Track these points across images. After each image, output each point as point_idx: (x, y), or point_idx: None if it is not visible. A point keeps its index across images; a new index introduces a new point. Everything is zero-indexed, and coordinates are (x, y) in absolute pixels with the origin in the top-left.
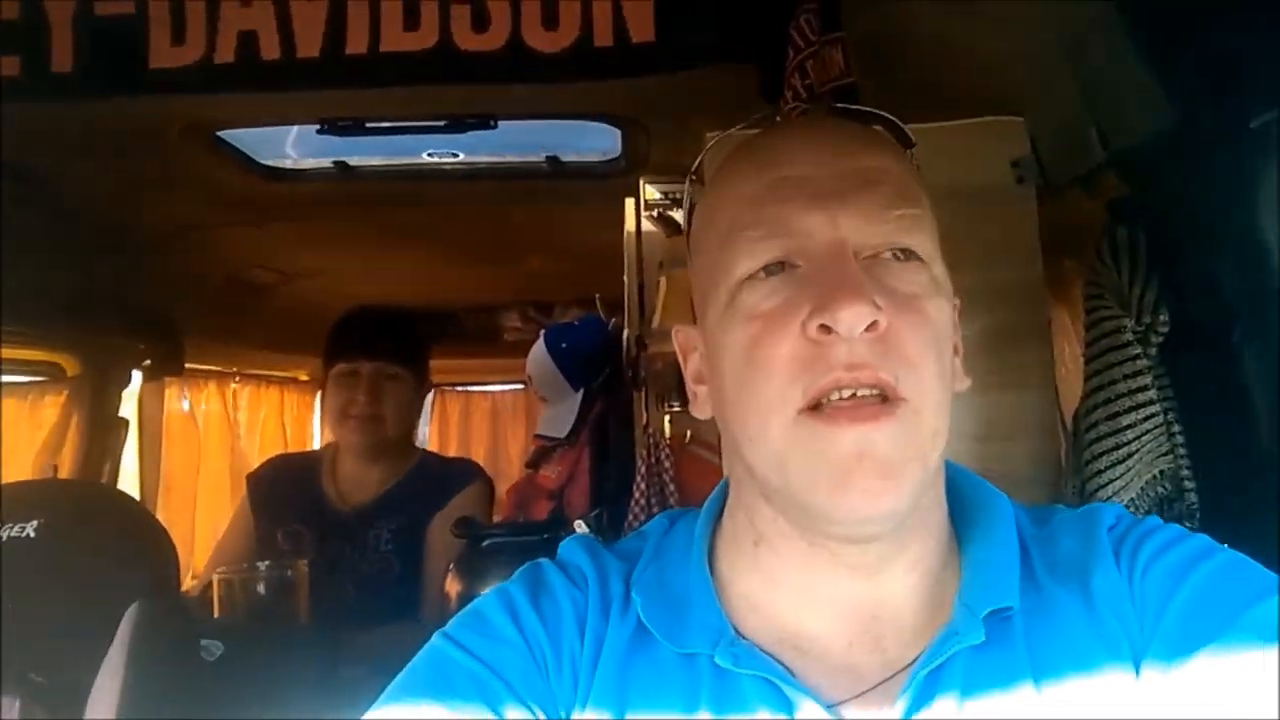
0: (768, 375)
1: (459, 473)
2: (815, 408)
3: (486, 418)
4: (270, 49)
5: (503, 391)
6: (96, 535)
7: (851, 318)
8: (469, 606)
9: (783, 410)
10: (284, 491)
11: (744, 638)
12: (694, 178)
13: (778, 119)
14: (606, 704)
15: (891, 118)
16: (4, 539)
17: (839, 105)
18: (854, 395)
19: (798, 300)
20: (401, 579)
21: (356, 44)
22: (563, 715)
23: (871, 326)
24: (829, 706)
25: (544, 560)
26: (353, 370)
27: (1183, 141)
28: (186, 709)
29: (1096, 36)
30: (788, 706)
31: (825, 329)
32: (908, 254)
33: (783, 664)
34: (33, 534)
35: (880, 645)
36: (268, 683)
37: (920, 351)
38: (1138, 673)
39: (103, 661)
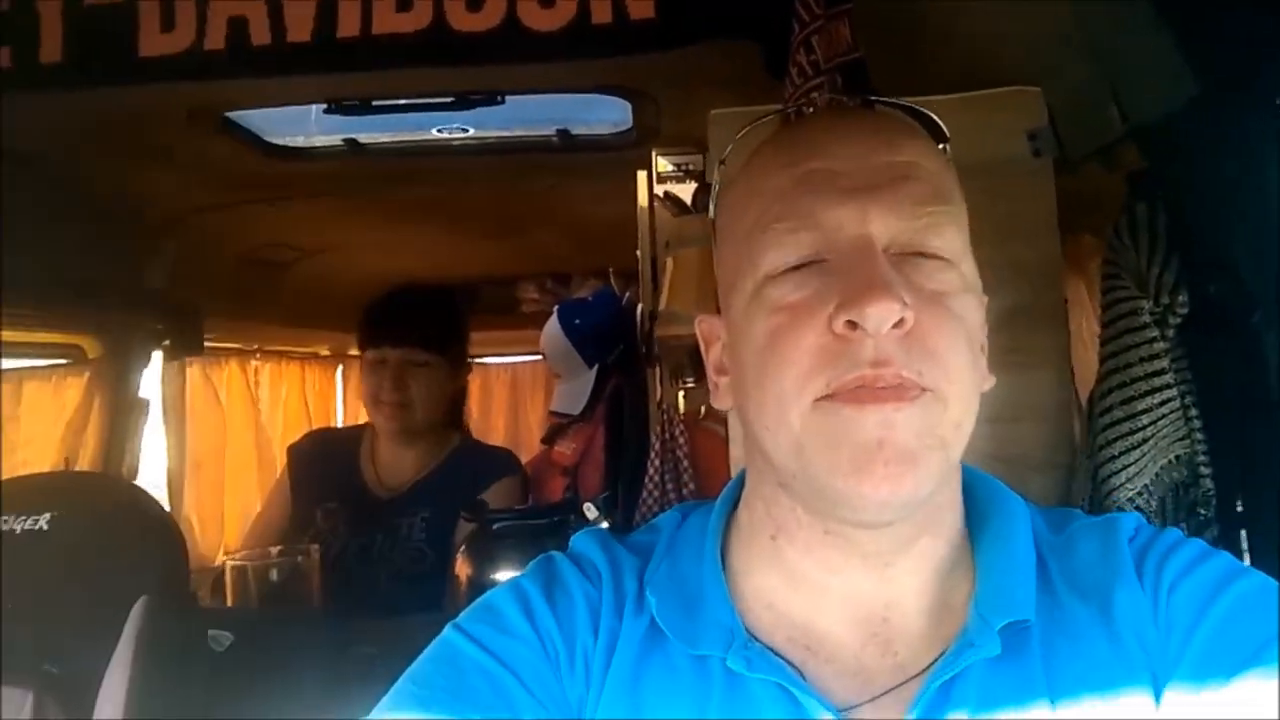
0: (788, 365)
1: (493, 465)
2: (835, 395)
3: (506, 389)
4: (260, 34)
5: (522, 362)
6: (108, 528)
7: (880, 313)
8: (481, 599)
9: (801, 399)
10: (323, 467)
11: (755, 639)
12: (722, 164)
13: (809, 109)
14: (620, 703)
15: (926, 111)
16: (17, 531)
17: (874, 99)
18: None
19: (825, 294)
20: (434, 570)
21: (348, 27)
22: (574, 711)
23: (899, 324)
24: (841, 711)
25: (556, 553)
26: (381, 358)
27: (1207, 116)
28: (195, 700)
29: (1118, 5)
30: (799, 711)
31: (852, 324)
32: (936, 253)
33: (793, 665)
34: (45, 526)
35: (891, 648)
36: (277, 673)
37: (948, 348)
38: (1157, 696)
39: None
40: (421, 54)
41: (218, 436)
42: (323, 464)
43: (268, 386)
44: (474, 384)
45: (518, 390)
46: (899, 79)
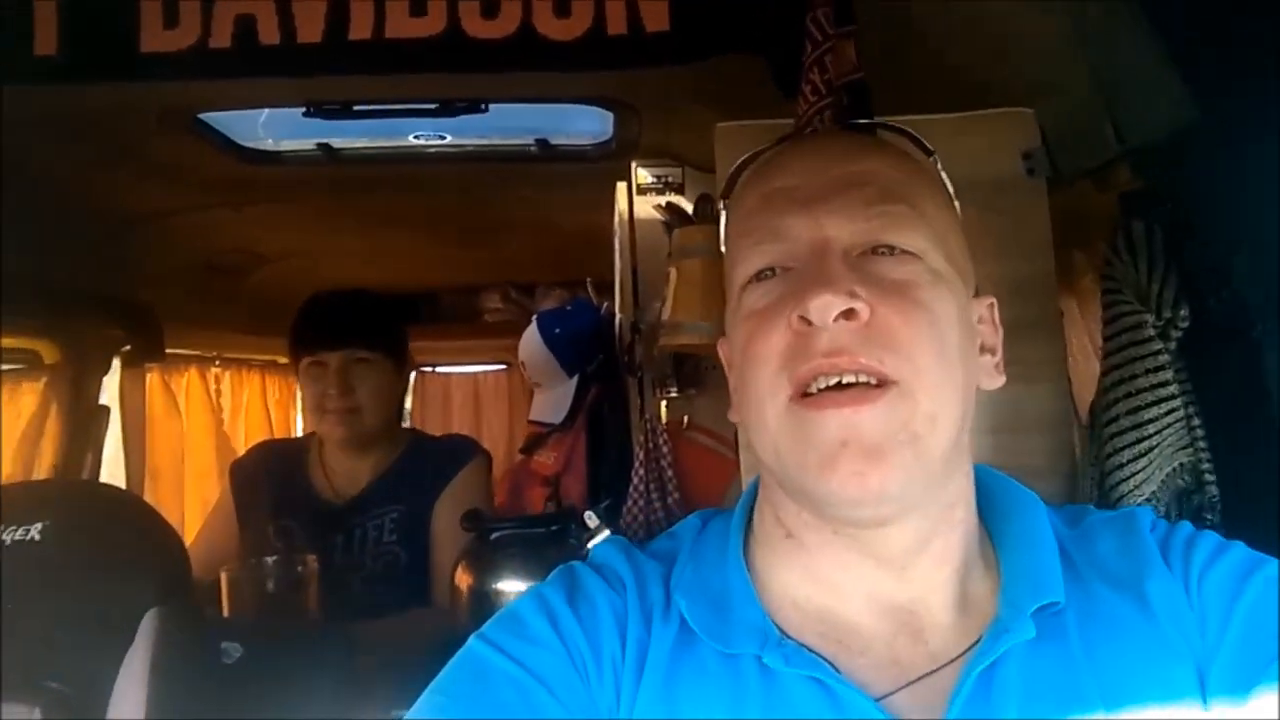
0: (760, 367)
1: (455, 451)
2: (804, 396)
3: (469, 399)
4: (269, 34)
5: (485, 372)
6: (105, 537)
7: (821, 306)
8: (504, 609)
9: (774, 400)
10: (271, 482)
11: (788, 636)
12: (730, 182)
13: (820, 125)
14: (655, 709)
15: (906, 129)
16: (7, 543)
17: (855, 121)
18: (839, 383)
19: (787, 297)
20: (409, 569)
21: (360, 30)
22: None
23: (850, 314)
24: (878, 701)
25: (577, 563)
26: (319, 361)
27: (1203, 137)
28: (210, 712)
29: (1114, 26)
30: (837, 704)
31: (804, 320)
32: (894, 248)
33: (827, 659)
34: (38, 537)
35: (922, 637)
36: (288, 682)
37: (912, 337)
38: (1199, 682)
39: (120, 667)
40: (432, 60)
41: (177, 444)
42: (271, 478)
43: (229, 394)
44: (434, 394)
45: (480, 401)
46: (898, 99)
